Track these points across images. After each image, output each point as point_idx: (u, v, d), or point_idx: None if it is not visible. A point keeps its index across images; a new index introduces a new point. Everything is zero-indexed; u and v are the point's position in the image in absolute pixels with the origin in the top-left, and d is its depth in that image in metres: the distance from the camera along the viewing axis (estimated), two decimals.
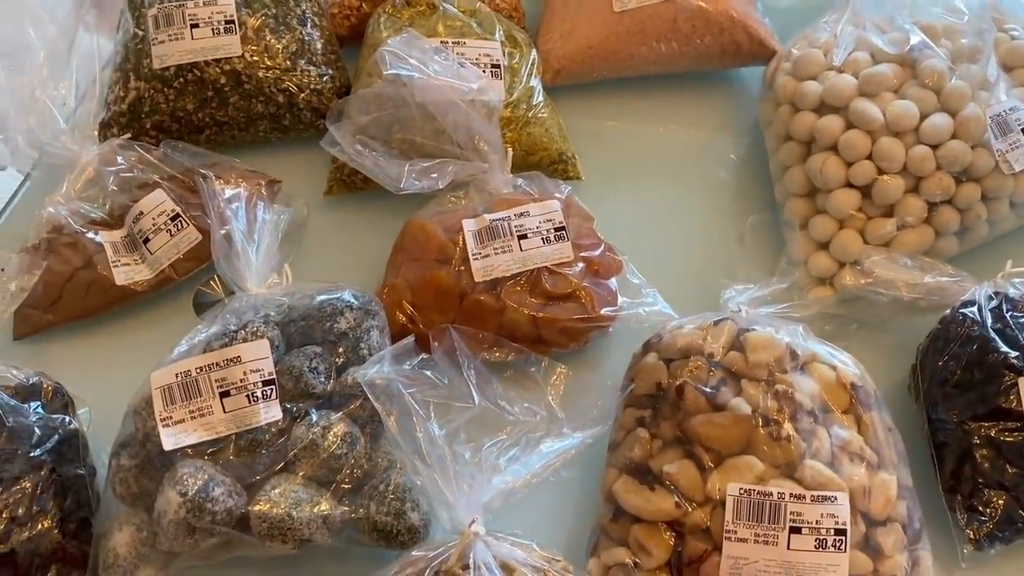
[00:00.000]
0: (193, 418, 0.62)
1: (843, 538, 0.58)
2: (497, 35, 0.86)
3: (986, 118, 0.74)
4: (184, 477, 0.60)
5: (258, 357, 0.63)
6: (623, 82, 0.95)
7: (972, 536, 0.64)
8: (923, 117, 0.74)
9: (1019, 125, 0.75)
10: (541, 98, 0.86)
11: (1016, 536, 0.64)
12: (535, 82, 0.86)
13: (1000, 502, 0.64)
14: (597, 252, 0.76)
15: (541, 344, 0.74)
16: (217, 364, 0.63)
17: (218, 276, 0.80)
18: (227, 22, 0.85)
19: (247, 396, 0.63)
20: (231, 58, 0.84)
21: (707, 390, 0.62)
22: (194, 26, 0.84)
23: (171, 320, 0.80)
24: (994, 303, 0.69)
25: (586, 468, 0.69)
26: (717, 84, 0.98)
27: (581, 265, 0.75)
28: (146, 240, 0.79)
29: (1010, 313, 0.68)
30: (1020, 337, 0.66)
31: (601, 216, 0.83)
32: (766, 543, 0.58)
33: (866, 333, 0.78)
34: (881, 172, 0.75)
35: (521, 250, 0.74)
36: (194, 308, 0.81)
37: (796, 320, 0.70)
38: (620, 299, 0.75)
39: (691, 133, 0.94)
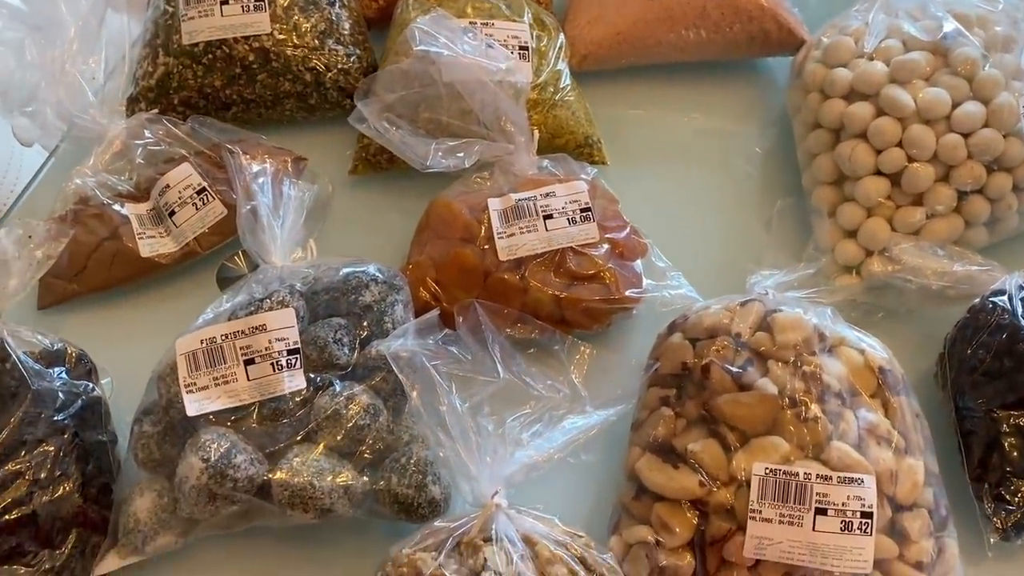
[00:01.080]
0: (217, 385, 0.62)
1: (869, 521, 0.57)
2: (526, 17, 0.86)
3: (1019, 107, 0.73)
4: (207, 443, 0.60)
5: (284, 326, 0.63)
6: (650, 69, 0.95)
7: (999, 525, 0.63)
8: (955, 105, 0.74)
9: None
10: (568, 82, 0.86)
11: None
12: (562, 65, 0.86)
13: None
14: (623, 234, 0.76)
15: (564, 325, 0.74)
16: (242, 332, 0.63)
17: (243, 251, 0.80)
18: (256, 0, 0.85)
19: (272, 364, 0.63)
20: (260, 36, 0.85)
21: (733, 370, 0.61)
22: (224, 3, 0.85)
23: (195, 294, 0.80)
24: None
25: (607, 448, 0.68)
26: (744, 73, 0.97)
27: (606, 246, 0.75)
28: (172, 213, 0.79)
29: None
30: None
31: (626, 201, 0.82)
32: (791, 524, 0.57)
33: (892, 322, 0.77)
34: (911, 160, 0.74)
35: (546, 230, 0.74)
36: (217, 283, 0.81)
37: (823, 305, 0.69)
38: (645, 281, 0.75)
39: (717, 122, 0.94)
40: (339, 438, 0.62)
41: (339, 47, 0.87)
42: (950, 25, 0.75)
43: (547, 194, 0.75)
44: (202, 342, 0.63)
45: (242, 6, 0.85)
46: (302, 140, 0.89)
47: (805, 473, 0.58)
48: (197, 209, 0.79)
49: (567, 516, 0.65)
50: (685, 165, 0.91)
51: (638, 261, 0.76)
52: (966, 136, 0.73)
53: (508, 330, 0.70)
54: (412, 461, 0.62)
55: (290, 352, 0.63)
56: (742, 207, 0.87)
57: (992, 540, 0.64)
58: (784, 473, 0.58)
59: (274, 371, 0.62)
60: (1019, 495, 0.63)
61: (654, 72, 0.95)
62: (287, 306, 0.64)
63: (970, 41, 0.75)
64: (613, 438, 0.68)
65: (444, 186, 0.81)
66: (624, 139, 0.92)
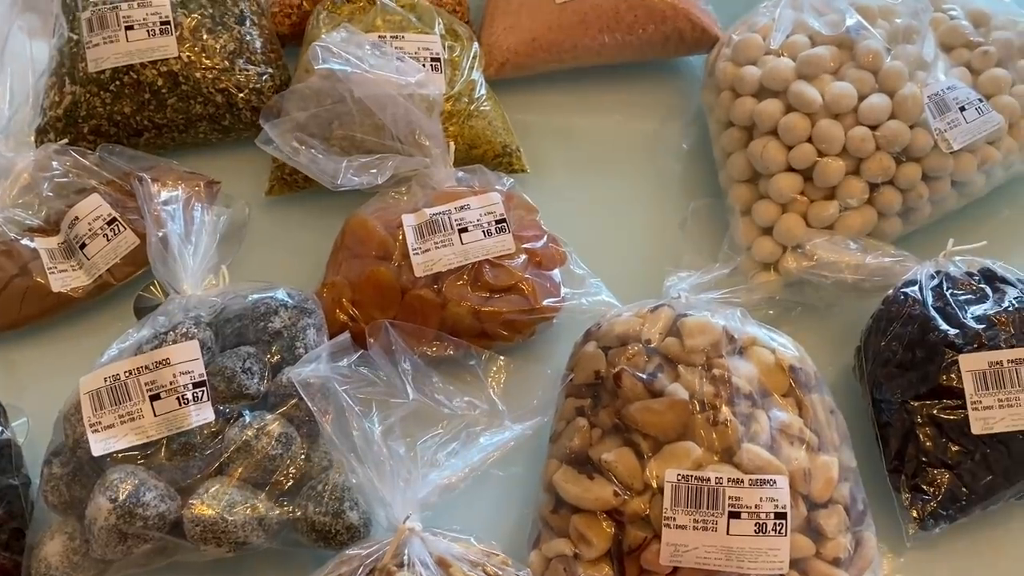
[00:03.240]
0: (123, 422, 0.61)
1: (783, 522, 0.57)
2: (437, 29, 0.85)
3: (923, 97, 0.74)
4: (114, 482, 0.59)
5: (188, 359, 0.62)
6: (571, 74, 0.94)
7: (917, 515, 0.64)
8: (861, 98, 0.74)
9: (957, 104, 0.75)
10: (484, 91, 0.85)
11: (960, 514, 0.64)
12: (477, 75, 0.85)
13: (943, 480, 0.64)
14: (540, 244, 0.76)
15: (485, 337, 0.73)
16: (146, 367, 0.62)
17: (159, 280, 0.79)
18: (162, 23, 0.84)
19: (177, 398, 0.62)
20: (167, 59, 0.83)
21: (644, 376, 0.61)
22: (128, 28, 0.83)
23: (112, 326, 0.78)
24: (935, 282, 0.69)
25: (533, 461, 0.68)
26: (666, 73, 0.97)
27: (523, 257, 0.74)
28: (83, 245, 0.77)
29: (950, 291, 0.68)
30: (960, 315, 0.66)
31: (548, 208, 0.82)
32: (705, 529, 0.57)
33: (813, 317, 0.78)
34: (821, 154, 0.74)
35: (462, 243, 0.73)
36: (135, 313, 0.79)
37: (740, 305, 0.69)
38: (563, 290, 0.75)
39: (640, 123, 0.94)
40: (252, 469, 0.61)
41: (250, 67, 0.86)
42: (853, 18, 0.76)
43: (462, 207, 0.75)
44: (105, 380, 0.62)
45: (147, 30, 0.83)
46: (218, 163, 0.88)
47: (717, 477, 0.58)
48: (108, 240, 0.78)
49: (493, 533, 0.65)
50: (608, 169, 0.91)
51: (556, 270, 0.75)
52: (873, 128, 0.74)
53: (424, 349, 0.69)
54: (329, 488, 0.62)
55: (196, 385, 0.62)
56: (665, 209, 0.87)
57: (911, 530, 0.65)
58: (696, 479, 0.58)
59: (180, 405, 0.61)
60: (935, 485, 0.64)
61: (574, 77, 0.95)
62: (191, 338, 0.63)
63: (873, 34, 0.75)
64: (539, 450, 0.68)
65: (364, 202, 0.80)
66: (546, 146, 0.91)
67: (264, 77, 0.87)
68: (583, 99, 0.95)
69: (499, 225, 0.74)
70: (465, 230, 0.74)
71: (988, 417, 0.64)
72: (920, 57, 0.75)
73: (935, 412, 0.64)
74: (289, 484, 0.62)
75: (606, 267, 0.79)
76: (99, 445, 0.60)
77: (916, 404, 0.65)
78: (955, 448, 0.64)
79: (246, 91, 0.85)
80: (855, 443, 0.69)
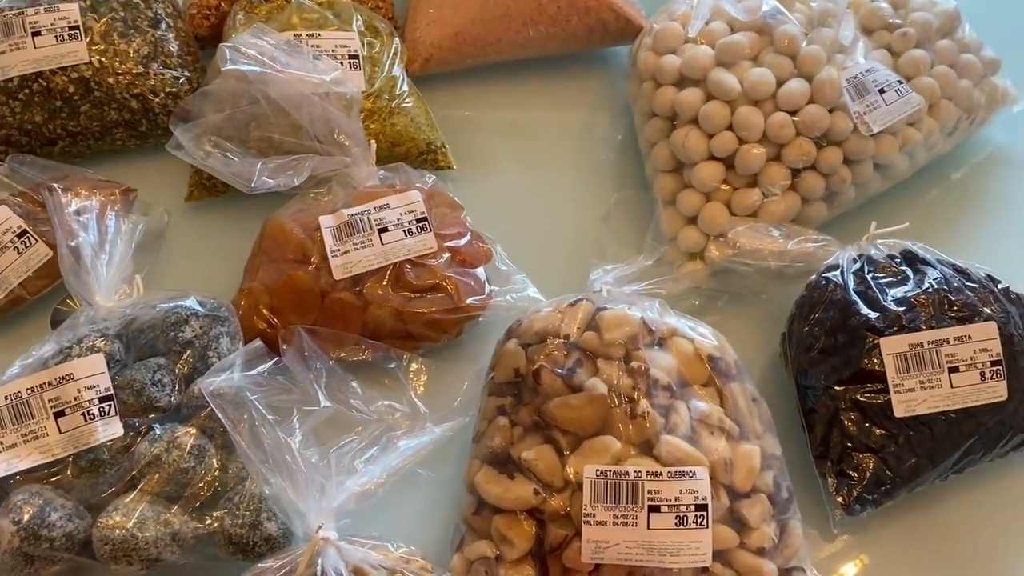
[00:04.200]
0: (26, 441, 0.59)
1: (704, 513, 0.57)
2: (355, 25, 0.84)
3: (841, 81, 0.74)
4: (18, 504, 0.57)
5: (93, 373, 0.60)
6: (501, 67, 0.93)
7: (842, 500, 0.64)
8: (780, 84, 0.74)
9: (876, 86, 0.75)
10: (406, 87, 0.84)
11: (886, 498, 0.64)
12: (398, 71, 0.84)
13: (868, 464, 0.64)
14: (463, 241, 0.74)
15: (411, 339, 0.72)
16: (49, 383, 0.60)
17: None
18: (71, 28, 0.81)
19: (83, 414, 0.60)
20: (78, 65, 0.81)
21: (562, 372, 0.60)
22: (36, 34, 0.81)
23: (28, 342, 0.76)
24: (857, 266, 0.69)
25: (462, 463, 0.67)
26: (598, 64, 0.96)
27: (447, 255, 0.73)
28: None
29: (871, 275, 0.68)
30: (881, 298, 0.66)
31: (478, 204, 0.81)
32: (625, 524, 0.56)
33: (742, 305, 0.78)
34: (742, 142, 0.74)
35: (382, 244, 0.72)
36: (52, 327, 0.77)
37: (665, 296, 0.69)
38: (488, 287, 0.73)
39: (571, 115, 0.93)
40: (163, 483, 0.59)
41: (166, 70, 0.84)
42: (769, 4, 0.75)
43: (381, 207, 0.73)
44: (6, 399, 0.60)
45: (56, 36, 0.81)
46: (138, 169, 0.86)
47: (635, 471, 0.57)
48: (19, 253, 0.75)
49: (424, 538, 0.64)
50: (540, 162, 0.90)
51: (481, 268, 0.74)
52: (793, 114, 0.73)
53: (342, 354, 0.68)
54: (245, 499, 0.60)
55: (102, 399, 0.60)
56: (596, 201, 0.86)
57: (837, 515, 0.64)
58: (614, 473, 0.57)
59: (86, 421, 0.59)
60: (860, 469, 0.64)
61: (505, 70, 0.93)
62: (96, 351, 0.61)
63: (789, 18, 0.75)
64: (466, 453, 0.67)
65: (285, 204, 0.78)
66: (476, 141, 0.90)
67: (181, 80, 0.85)
68: (514, 93, 0.94)
69: (420, 224, 0.73)
70: (385, 230, 0.72)
71: (910, 399, 0.63)
72: (837, 40, 0.75)
73: (858, 396, 0.64)
74: (204, 497, 0.60)
75: (536, 262, 0.78)
76: (1, 466, 0.58)
77: (839, 389, 0.65)
78: (879, 432, 0.64)
79: (162, 95, 0.83)
80: (783, 431, 0.69)
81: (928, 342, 0.64)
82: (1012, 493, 0.68)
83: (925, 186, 0.87)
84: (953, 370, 0.64)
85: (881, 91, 0.75)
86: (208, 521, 0.60)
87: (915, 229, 0.78)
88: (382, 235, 0.72)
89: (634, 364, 0.60)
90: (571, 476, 0.58)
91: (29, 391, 0.60)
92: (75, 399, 0.60)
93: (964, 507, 0.68)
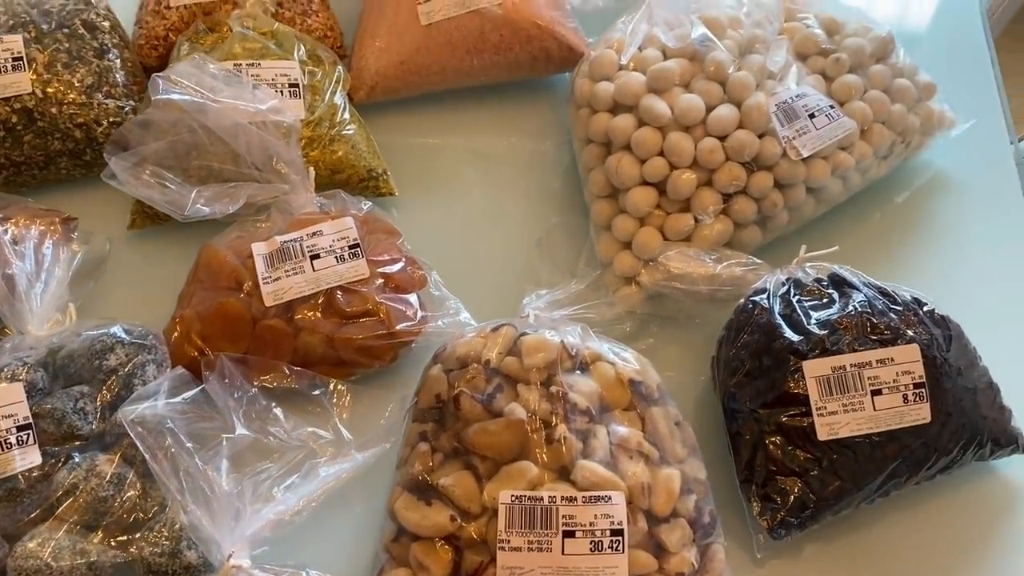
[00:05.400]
0: None
1: (620, 539, 0.57)
2: (297, 54, 0.85)
3: (771, 106, 0.74)
4: None
5: (10, 402, 0.60)
6: (449, 95, 0.94)
7: (767, 525, 0.64)
8: (710, 110, 0.75)
9: (807, 111, 0.76)
10: (347, 115, 0.85)
11: (810, 521, 0.64)
12: (340, 99, 0.85)
13: (793, 488, 0.64)
14: (396, 268, 0.75)
15: (343, 365, 0.72)
16: None
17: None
18: (15, 59, 0.82)
19: (0, 443, 0.60)
20: (21, 95, 0.82)
21: (482, 398, 0.60)
22: None
23: None
24: (784, 289, 0.69)
25: (386, 490, 0.67)
26: (544, 91, 0.97)
27: (379, 281, 0.73)
28: None
29: (797, 298, 0.68)
30: (805, 321, 0.66)
31: (421, 229, 0.82)
32: (540, 550, 0.56)
33: (677, 330, 0.78)
34: (673, 167, 0.75)
35: (314, 270, 0.72)
36: None
37: (601, 321, 0.69)
38: (420, 313, 0.74)
39: (518, 142, 0.94)
40: (82, 512, 0.59)
41: (110, 101, 0.85)
42: (698, 31, 0.76)
43: (314, 233, 0.74)
44: None
45: None
46: (83, 198, 0.86)
47: (550, 496, 0.57)
48: None
49: (350, 565, 0.64)
50: (484, 188, 0.90)
51: (414, 294, 0.74)
52: (722, 139, 0.74)
53: (265, 381, 0.68)
54: (165, 527, 0.60)
55: (20, 428, 0.60)
56: (537, 227, 0.86)
57: (761, 539, 0.64)
58: (529, 499, 0.57)
59: (3, 450, 0.60)
60: (784, 493, 0.64)
61: (452, 97, 0.95)
62: (16, 380, 0.61)
63: (718, 45, 0.76)
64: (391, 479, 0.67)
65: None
66: (421, 167, 0.91)
67: (126, 110, 0.86)
68: (460, 119, 0.95)
69: (352, 250, 0.73)
70: (317, 256, 0.73)
71: (833, 423, 0.64)
72: (765, 66, 0.75)
73: (782, 420, 0.64)
74: (125, 525, 0.60)
75: (475, 287, 0.79)
76: None
77: (764, 412, 0.65)
78: (802, 455, 0.64)
79: (105, 124, 0.84)
80: (715, 454, 0.69)
81: (850, 365, 0.64)
82: (940, 517, 0.68)
83: (869, 209, 0.87)
84: (876, 392, 0.64)
85: (811, 116, 0.76)
86: (129, 549, 0.59)
87: (856, 252, 0.79)
88: (314, 261, 0.73)
89: (553, 389, 0.61)
90: (488, 502, 0.58)
91: None
92: None
93: (893, 531, 0.67)
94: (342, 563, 0.65)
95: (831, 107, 0.77)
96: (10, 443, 0.60)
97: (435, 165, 0.92)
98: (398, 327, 0.72)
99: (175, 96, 0.72)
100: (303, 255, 0.73)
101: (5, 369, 0.62)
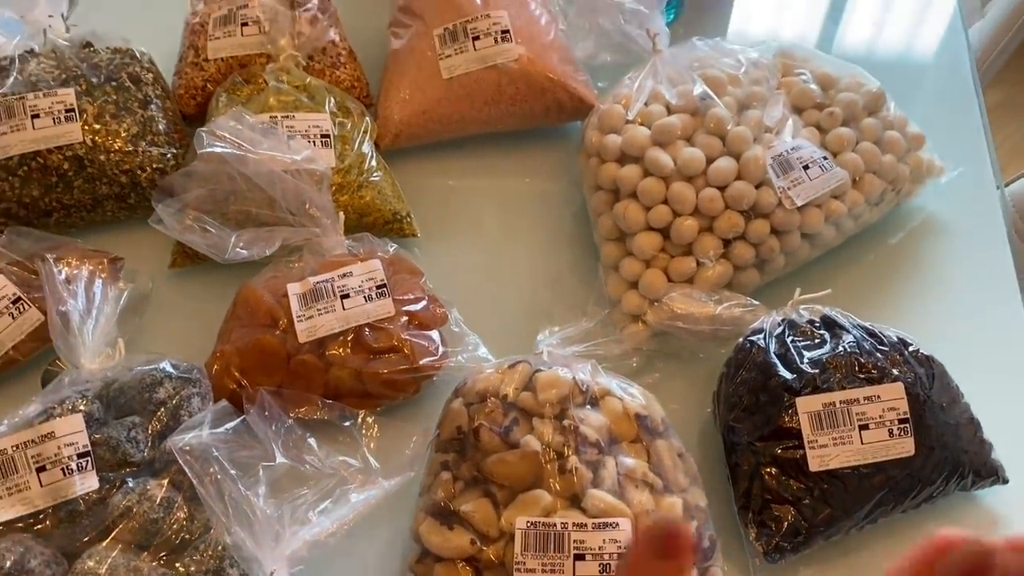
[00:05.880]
0: (10, 494, 0.65)
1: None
2: (328, 106, 0.91)
3: (767, 159, 0.80)
4: (0, 552, 0.62)
5: (72, 431, 0.66)
6: (467, 141, 1.00)
7: (762, 549, 0.69)
8: (710, 161, 0.80)
9: (800, 163, 0.82)
10: (374, 163, 0.91)
11: (802, 546, 0.69)
12: (367, 148, 0.91)
13: (787, 515, 0.68)
14: (419, 306, 0.80)
15: (370, 398, 0.78)
16: (32, 441, 0.66)
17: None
18: (67, 111, 0.89)
19: (62, 469, 0.66)
20: (72, 144, 0.88)
21: (499, 430, 0.66)
22: (35, 116, 0.88)
23: (20, 400, 0.82)
24: (780, 329, 0.75)
25: (410, 516, 0.72)
26: (556, 137, 1.03)
27: (404, 319, 0.79)
28: None
29: (791, 338, 0.73)
30: (797, 360, 0.72)
31: (441, 268, 0.88)
32: (553, 572, 0.61)
33: (681, 365, 0.83)
34: (676, 214, 0.80)
35: (344, 309, 0.78)
36: (42, 386, 0.83)
37: (610, 357, 0.75)
38: (442, 349, 0.79)
39: (531, 184, 1.00)
40: (135, 533, 0.65)
41: (153, 148, 0.91)
42: (699, 88, 0.82)
43: (344, 274, 0.80)
44: None
45: (53, 118, 0.88)
46: (126, 238, 0.93)
47: (562, 522, 0.62)
48: (13, 318, 0.82)
49: None
50: (499, 228, 0.96)
51: (436, 330, 0.80)
52: (722, 189, 0.80)
53: (301, 413, 0.73)
54: (210, 547, 0.65)
55: (80, 455, 0.66)
56: (549, 265, 0.92)
57: (757, 563, 0.69)
58: (543, 524, 0.62)
59: (65, 475, 0.65)
60: (777, 520, 0.69)
61: (470, 142, 1.01)
62: (76, 411, 0.67)
63: (717, 102, 0.82)
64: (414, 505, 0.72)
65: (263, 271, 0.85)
66: (440, 208, 0.97)
67: (168, 157, 0.92)
68: (477, 163, 1.01)
69: (379, 290, 0.79)
70: (347, 296, 0.79)
71: (824, 455, 0.69)
72: (761, 121, 0.81)
73: (777, 452, 0.70)
74: (172, 545, 0.66)
75: (491, 324, 0.84)
76: None
77: (760, 445, 0.70)
78: (796, 485, 0.69)
79: (149, 171, 0.91)
80: (716, 484, 0.74)
81: (840, 401, 0.69)
82: None
83: (862, 252, 0.92)
84: (863, 427, 0.69)
85: (806, 167, 0.81)
86: (176, 568, 0.65)
87: (847, 293, 0.84)
88: (344, 301, 0.79)
89: (565, 422, 0.66)
90: (505, 527, 0.63)
91: (14, 448, 0.66)
92: (55, 455, 0.66)
93: (881, 556, 0.72)
94: None
95: (824, 158, 0.83)
96: (71, 469, 0.65)
97: (454, 206, 0.98)
98: (421, 362, 0.77)
99: (218, 149, 0.79)
100: (334, 295, 0.79)
101: (66, 401, 0.68)
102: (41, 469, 0.66)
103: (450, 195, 0.99)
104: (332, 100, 0.92)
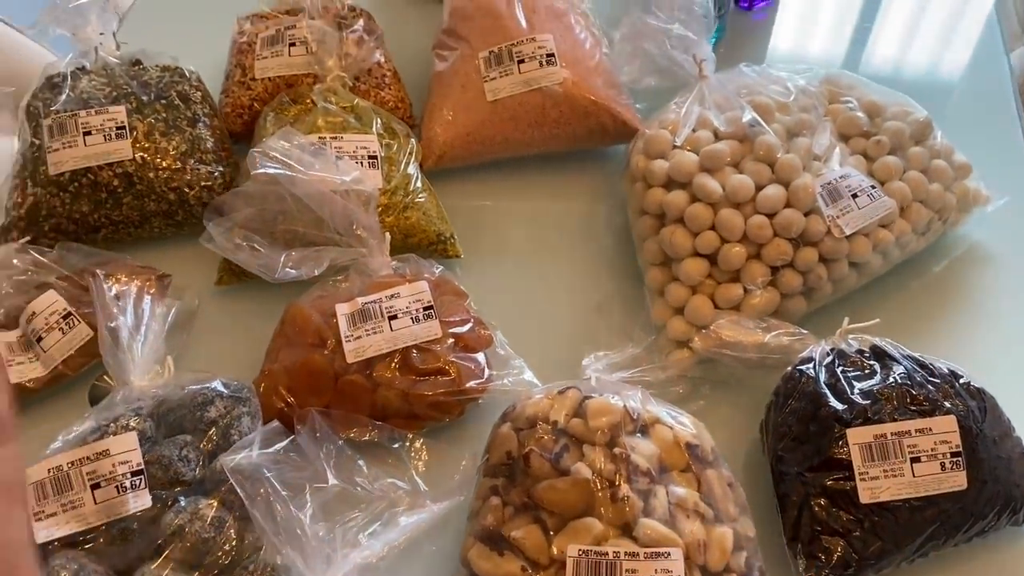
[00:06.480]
0: (65, 511, 0.65)
1: None
2: (375, 128, 0.92)
3: (816, 187, 0.80)
4: (55, 568, 0.63)
5: (126, 449, 0.67)
6: (508, 161, 1.01)
7: None
8: (759, 188, 0.80)
9: (849, 191, 0.81)
10: (419, 184, 0.92)
11: None
12: (413, 169, 0.92)
13: (837, 547, 0.68)
14: (466, 328, 0.81)
15: (415, 419, 0.78)
16: (87, 458, 0.67)
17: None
18: (118, 128, 0.90)
19: (116, 487, 0.66)
20: (123, 161, 0.90)
21: (550, 456, 0.66)
22: (87, 134, 0.89)
23: (66, 415, 0.82)
24: (829, 359, 0.74)
25: (461, 538, 0.72)
26: (597, 160, 1.04)
27: (450, 341, 0.79)
28: (39, 339, 0.82)
29: (840, 368, 0.73)
30: (848, 390, 0.71)
31: (483, 289, 0.88)
32: None
33: (726, 392, 0.82)
34: (724, 241, 0.80)
35: (391, 330, 0.79)
36: (89, 401, 0.84)
37: (651, 383, 0.75)
38: (488, 371, 0.79)
39: (573, 207, 1.00)
40: (186, 552, 0.65)
41: (201, 166, 0.92)
42: (748, 115, 0.82)
43: (392, 295, 0.80)
44: (49, 471, 0.66)
45: (104, 135, 0.90)
46: (172, 255, 0.94)
47: (614, 552, 0.62)
48: (64, 333, 0.83)
49: None
50: (541, 251, 0.97)
51: (482, 353, 0.80)
52: (771, 216, 0.80)
53: (350, 433, 0.74)
54: (259, 568, 0.66)
55: (134, 474, 0.66)
56: (591, 288, 0.92)
57: None
58: (595, 553, 0.62)
59: (119, 493, 0.66)
60: (828, 552, 0.68)
61: (511, 163, 1.01)
62: (130, 430, 0.68)
63: (767, 129, 0.82)
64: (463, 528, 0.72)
65: (309, 290, 0.86)
66: (483, 230, 0.97)
67: (215, 175, 0.93)
68: (520, 185, 1.02)
69: (427, 312, 0.80)
70: (395, 317, 0.79)
71: (875, 487, 0.68)
72: (811, 149, 0.81)
73: (827, 483, 0.69)
74: (222, 565, 0.66)
75: (534, 347, 0.84)
76: (42, 533, 0.65)
77: (810, 476, 0.70)
78: (846, 517, 0.68)
79: (197, 188, 0.92)
80: (763, 513, 0.74)
81: (891, 433, 0.69)
82: None
83: (907, 279, 0.92)
84: (915, 460, 0.68)
85: (854, 195, 0.81)
86: None
87: (893, 322, 0.83)
88: (392, 322, 0.79)
89: (616, 450, 0.66)
90: (556, 554, 0.63)
91: (69, 465, 0.66)
92: (110, 473, 0.66)
93: None
94: None
95: (872, 187, 0.83)
96: (125, 487, 0.66)
97: (494, 227, 0.98)
98: (468, 384, 0.77)
99: (271, 170, 0.79)
100: (382, 316, 0.79)
101: (120, 419, 0.69)
102: (96, 487, 0.66)
103: (490, 216, 0.99)
104: (379, 121, 0.93)
